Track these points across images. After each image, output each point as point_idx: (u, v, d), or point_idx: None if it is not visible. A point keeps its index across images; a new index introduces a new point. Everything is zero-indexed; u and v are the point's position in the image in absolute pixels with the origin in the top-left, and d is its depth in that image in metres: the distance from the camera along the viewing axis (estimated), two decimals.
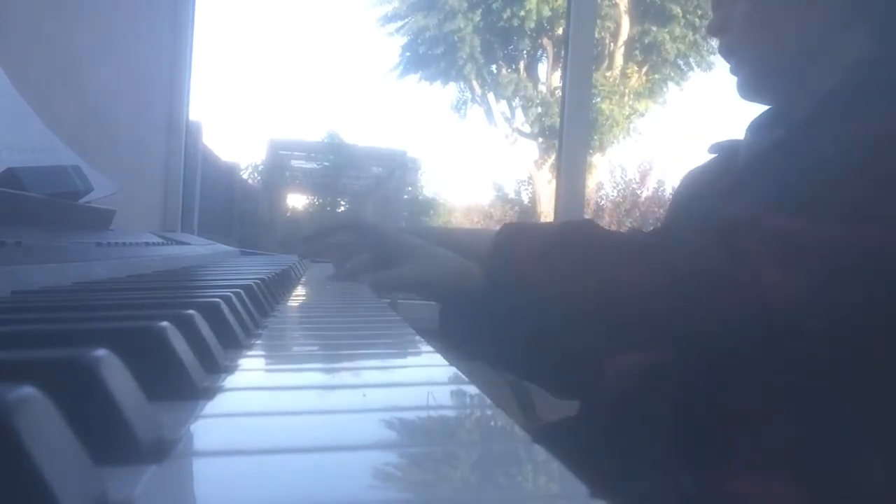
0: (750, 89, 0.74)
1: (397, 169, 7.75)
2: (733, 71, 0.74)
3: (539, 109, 8.18)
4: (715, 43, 0.77)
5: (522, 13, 8.01)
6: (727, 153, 0.78)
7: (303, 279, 1.03)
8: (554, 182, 2.62)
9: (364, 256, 0.82)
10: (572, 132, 1.98)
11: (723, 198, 0.70)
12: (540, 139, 8.20)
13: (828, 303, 0.54)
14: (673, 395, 0.63)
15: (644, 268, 0.60)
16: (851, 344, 0.54)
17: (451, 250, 0.76)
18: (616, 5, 8.05)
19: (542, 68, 8.58)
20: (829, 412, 0.56)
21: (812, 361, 0.55)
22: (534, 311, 0.64)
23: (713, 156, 0.81)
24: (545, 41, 8.31)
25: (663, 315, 0.58)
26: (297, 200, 7.49)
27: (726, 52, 0.74)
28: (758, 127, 0.75)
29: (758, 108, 0.77)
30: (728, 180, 0.73)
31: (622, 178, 8.53)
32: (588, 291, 0.61)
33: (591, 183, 7.57)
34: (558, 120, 2.15)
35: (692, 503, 0.60)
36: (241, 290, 0.50)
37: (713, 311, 0.56)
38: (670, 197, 0.90)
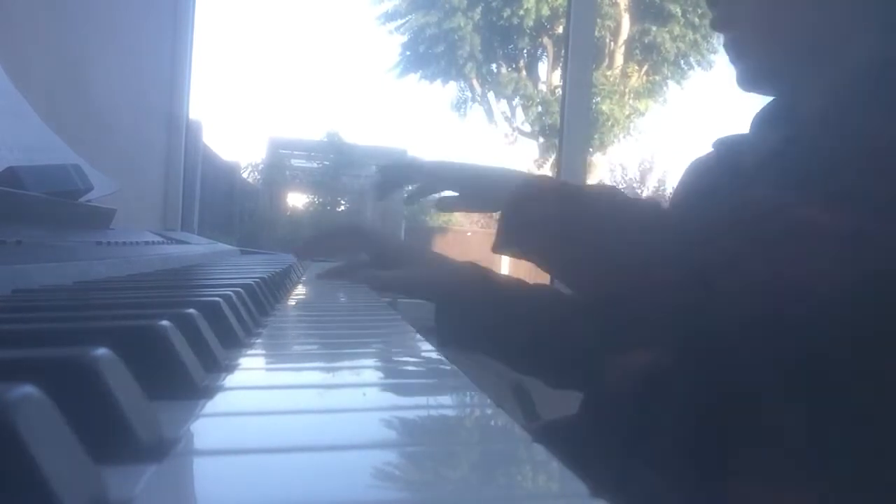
0: (751, 81, 0.71)
1: None
2: (733, 61, 0.72)
3: (539, 108, 8.18)
4: (719, 39, 0.74)
5: (522, 12, 8.00)
6: (731, 149, 0.77)
7: (303, 279, 1.03)
8: None
9: (361, 257, 0.84)
10: (572, 131, 1.98)
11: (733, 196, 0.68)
12: (540, 138, 8.20)
13: (852, 301, 0.50)
14: (675, 397, 0.63)
15: (657, 248, 0.57)
16: (871, 345, 0.51)
17: (474, 190, 0.76)
18: (616, 4, 8.05)
19: (543, 67, 8.59)
20: (837, 415, 0.55)
21: (828, 359, 0.53)
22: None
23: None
24: (545, 40, 8.30)
25: (672, 300, 0.55)
26: (297, 199, 7.49)
27: (730, 45, 0.71)
28: (762, 122, 0.74)
29: (761, 101, 0.75)
30: (737, 178, 0.71)
31: (623, 177, 8.53)
32: (597, 268, 0.60)
33: (591, 182, 7.56)
34: (558, 119, 2.15)
35: (691, 502, 0.60)
36: (241, 290, 0.50)
37: (726, 301, 0.52)
38: (671, 194, 0.88)
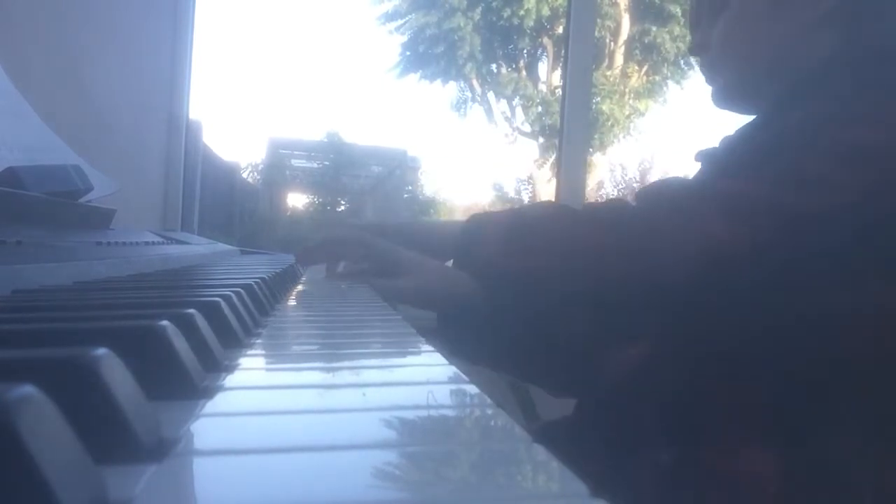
0: (725, 99, 0.80)
1: (397, 168, 7.76)
2: (709, 82, 0.81)
3: (539, 108, 8.18)
4: (696, 61, 0.81)
5: (522, 12, 8.00)
6: (705, 152, 0.81)
7: (303, 279, 1.03)
8: (554, 181, 2.62)
9: (362, 266, 0.85)
10: (572, 131, 1.98)
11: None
12: (540, 138, 8.20)
13: (771, 259, 0.58)
14: (664, 388, 0.65)
15: (599, 235, 0.66)
16: (804, 308, 0.58)
17: (420, 244, 0.82)
18: (616, 4, 8.04)
19: (543, 67, 8.58)
20: (800, 381, 0.59)
21: (768, 326, 0.59)
22: (505, 293, 0.70)
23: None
24: (545, 40, 8.30)
25: (616, 275, 0.63)
26: (297, 199, 7.49)
27: (706, 67, 0.80)
28: (739, 128, 0.78)
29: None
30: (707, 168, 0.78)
31: (622, 177, 8.54)
32: (550, 264, 0.67)
33: (591, 182, 7.57)
34: (558, 119, 2.15)
35: (681, 485, 0.61)
36: (241, 290, 0.50)
37: (661, 266, 0.60)
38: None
